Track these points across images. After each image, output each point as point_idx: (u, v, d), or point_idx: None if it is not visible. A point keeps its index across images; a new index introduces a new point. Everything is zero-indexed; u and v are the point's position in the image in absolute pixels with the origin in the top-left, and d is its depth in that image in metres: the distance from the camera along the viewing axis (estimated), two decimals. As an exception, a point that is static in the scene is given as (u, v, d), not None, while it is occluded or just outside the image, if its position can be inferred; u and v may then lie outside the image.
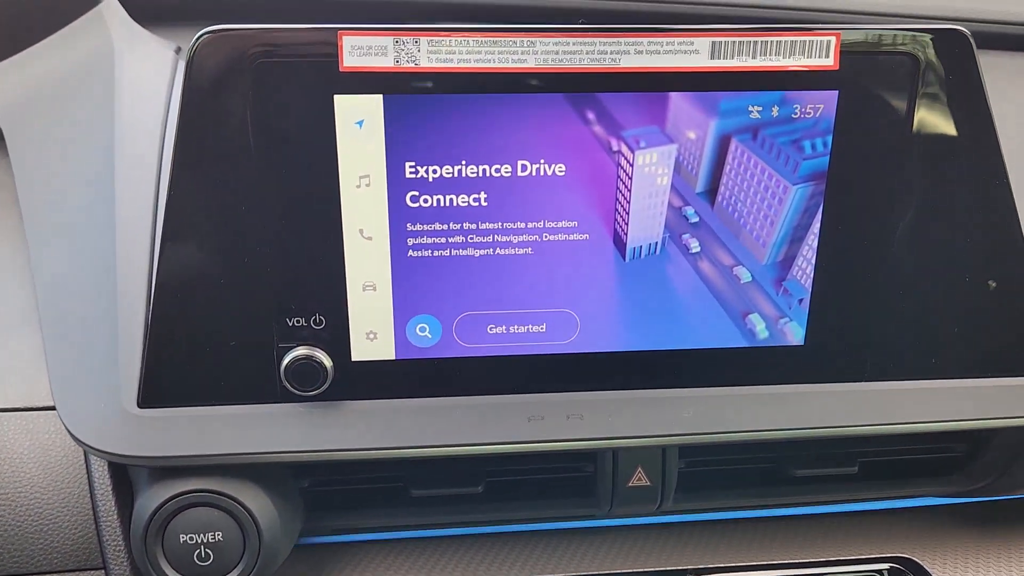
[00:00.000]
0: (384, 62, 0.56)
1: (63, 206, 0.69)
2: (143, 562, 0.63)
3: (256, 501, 0.63)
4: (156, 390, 0.61)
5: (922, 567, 0.75)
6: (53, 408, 0.66)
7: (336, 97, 0.56)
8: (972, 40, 0.60)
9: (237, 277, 0.60)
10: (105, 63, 0.76)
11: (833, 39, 0.58)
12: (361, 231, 0.60)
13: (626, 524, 0.77)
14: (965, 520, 0.79)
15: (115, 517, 0.66)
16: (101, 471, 0.66)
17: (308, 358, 0.61)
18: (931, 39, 0.59)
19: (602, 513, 0.72)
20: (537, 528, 0.76)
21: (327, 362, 0.61)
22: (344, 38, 0.55)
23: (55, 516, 0.66)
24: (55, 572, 0.67)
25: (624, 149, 0.60)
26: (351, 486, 0.71)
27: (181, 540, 0.63)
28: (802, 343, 0.66)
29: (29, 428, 0.67)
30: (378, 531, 0.73)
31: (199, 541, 0.63)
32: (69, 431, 0.62)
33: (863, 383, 0.67)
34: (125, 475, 0.67)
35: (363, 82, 0.56)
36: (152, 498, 0.62)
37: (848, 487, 0.74)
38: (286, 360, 0.61)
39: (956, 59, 0.60)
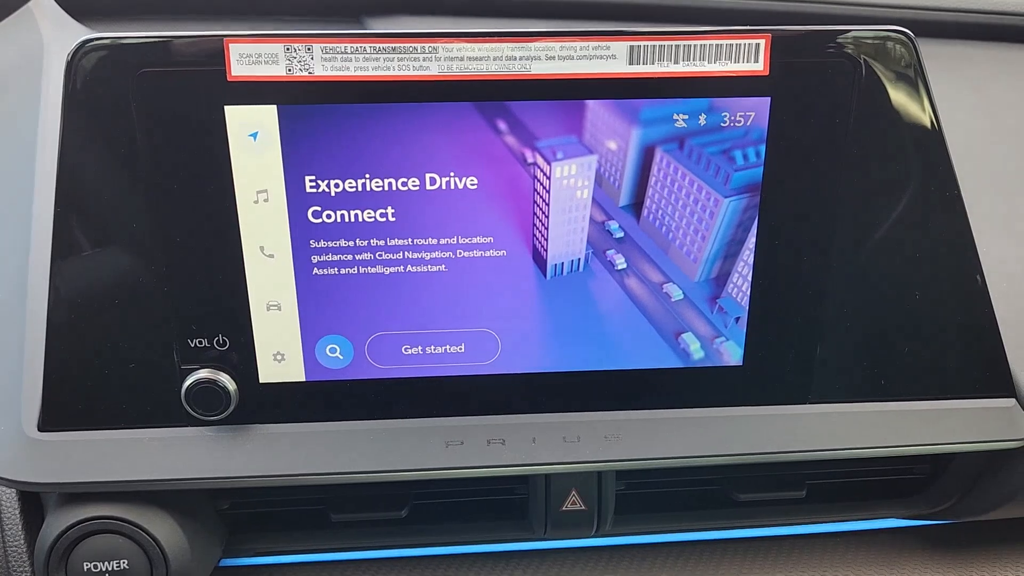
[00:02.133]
0: (275, 71, 0.52)
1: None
2: (45, 592, 0.60)
3: (163, 528, 0.61)
4: (56, 413, 0.59)
5: (878, 594, 0.71)
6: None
7: (227, 108, 0.53)
8: (914, 42, 0.55)
9: (134, 297, 0.57)
10: (34, 61, 0.73)
11: (763, 41, 0.54)
12: (262, 248, 0.57)
13: (563, 547, 0.73)
14: (925, 542, 0.75)
15: (22, 544, 0.63)
16: (9, 496, 0.64)
17: (210, 381, 0.58)
18: (871, 40, 0.55)
19: (536, 537, 0.69)
20: (469, 551, 0.72)
21: (231, 385, 0.58)
22: (231, 46, 0.52)
23: (-37, 540, 0.64)
24: (-37, 598, 0.65)
25: (540, 161, 0.56)
26: (272, 508, 0.68)
27: (85, 568, 0.60)
28: (740, 363, 0.62)
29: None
30: (302, 554, 0.70)
31: (103, 570, 0.60)
32: None
33: (805, 406, 0.63)
34: (36, 501, 0.65)
35: (255, 92, 0.53)
36: (55, 524, 0.60)
37: (796, 511, 0.71)
38: (187, 383, 0.58)
39: (898, 61, 0.55)
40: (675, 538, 0.74)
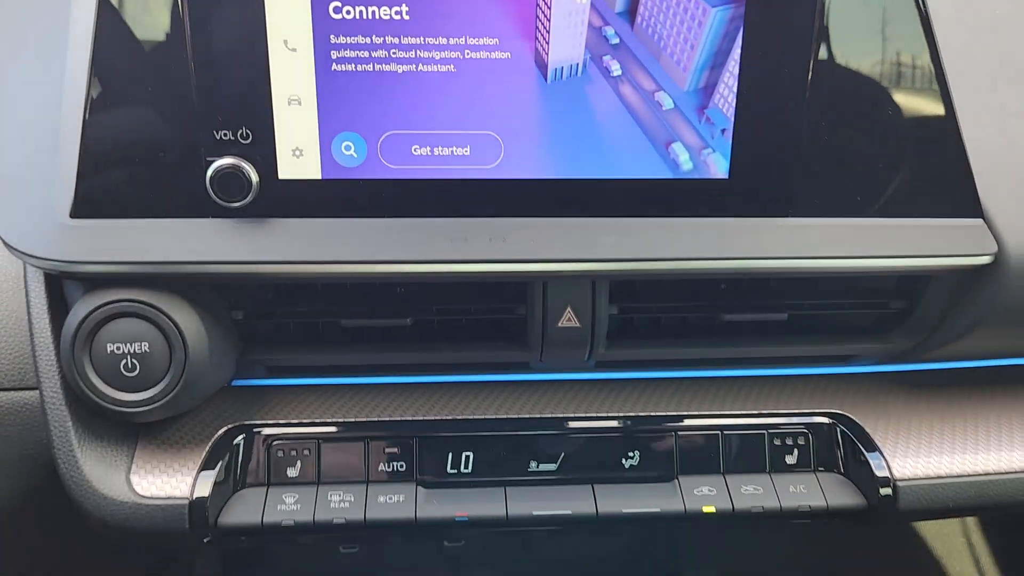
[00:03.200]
0: None
1: (13, 31, 0.71)
2: (71, 372, 0.64)
3: (182, 315, 0.65)
4: (88, 201, 0.63)
5: (855, 422, 0.75)
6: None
7: (258, -100, 0.58)
8: None
9: (164, 92, 0.62)
10: None
11: None
12: (285, 42, 0.61)
13: (558, 379, 0.77)
14: (900, 384, 0.79)
15: (49, 337, 0.67)
16: (38, 292, 0.67)
17: (234, 167, 0.62)
18: None
19: (533, 357, 0.73)
20: (468, 380, 0.76)
21: (253, 176, 0.63)
22: None
23: (-8, 336, 0.68)
24: (-9, 390, 0.68)
25: (543, -36, 0.61)
26: (285, 319, 0.72)
27: (108, 350, 0.64)
28: (726, 176, 0.66)
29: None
30: (312, 372, 0.74)
31: (126, 351, 0.64)
32: (4, 242, 0.64)
33: (788, 219, 0.67)
34: (61, 297, 0.68)
35: None
36: (81, 308, 0.64)
37: (779, 339, 0.74)
38: (212, 169, 0.62)
39: None
40: (663, 375, 0.77)
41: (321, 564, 1.02)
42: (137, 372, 0.64)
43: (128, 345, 0.64)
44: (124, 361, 0.64)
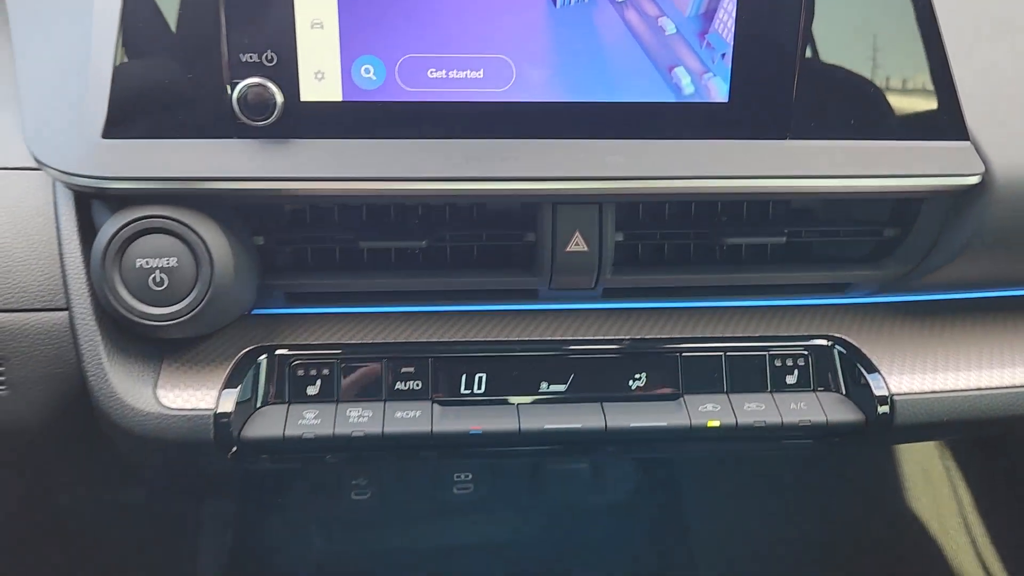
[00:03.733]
0: None
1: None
2: (101, 287, 0.67)
3: (209, 233, 0.67)
4: (119, 122, 0.66)
5: (853, 345, 0.78)
6: (23, 168, 0.71)
7: None
8: None
9: (194, 14, 0.65)
10: None
11: None
12: (309, -33, 0.65)
13: (567, 308, 0.80)
14: (896, 313, 0.82)
15: (79, 257, 0.70)
16: (68, 215, 0.70)
17: (260, 86, 0.65)
18: None
19: (542, 283, 0.76)
20: (480, 308, 0.79)
21: (279, 96, 0.66)
22: None
23: (22, 258, 0.70)
24: (23, 310, 0.71)
25: None
26: (304, 244, 0.74)
27: (137, 265, 0.67)
28: (726, 99, 0.70)
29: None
30: (330, 300, 0.77)
31: (154, 266, 0.67)
32: (40, 160, 0.67)
33: (786, 141, 0.71)
34: (90, 221, 0.71)
35: None
36: (112, 224, 0.67)
37: (779, 266, 0.77)
38: (239, 87, 0.65)
39: None
40: (667, 304, 0.80)
41: (334, 517, 1.05)
42: (165, 287, 0.67)
43: (157, 260, 0.67)
44: (153, 276, 0.67)
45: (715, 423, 0.74)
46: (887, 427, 0.74)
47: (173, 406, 0.69)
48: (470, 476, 0.99)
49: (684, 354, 0.77)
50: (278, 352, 0.74)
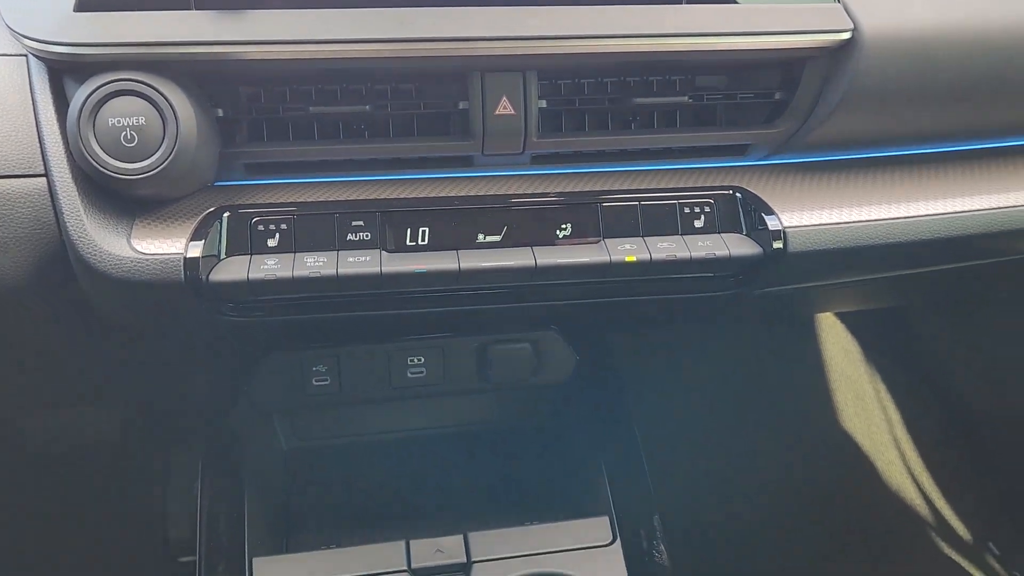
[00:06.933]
0: None
1: None
2: (76, 145, 0.74)
3: (175, 96, 0.75)
4: (90, -4, 0.74)
5: (754, 193, 0.89)
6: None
7: None
8: None
9: None
10: None
11: None
12: None
13: (500, 174, 0.89)
14: (794, 171, 0.93)
15: (55, 124, 0.77)
16: (42, 86, 0.78)
17: (215, -41, 0.74)
18: None
19: (476, 148, 0.85)
20: (423, 175, 0.88)
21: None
22: None
23: (2, 132, 0.78)
24: (2, 177, 0.78)
25: None
26: (259, 116, 0.83)
27: (110, 123, 0.74)
28: (626, -32, 0.81)
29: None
30: (285, 170, 0.85)
31: (125, 124, 0.75)
32: (15, 31, 0.74)
33: (681, 5, 0.82)
34: (63, 94, 0.79)
35: None
36: (86, 88, 0.75)
37: (686, 128, 0.88)
38: (196, -39, 0.74)
39: None
40: (590, 170, 0.90)
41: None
42: (135, 143, 0.75)
43: (127, 119, 0.75)
44: (124, 133, 0.74)
45: (632, 258, 0.84)
46: (782, 256, 0.86)
47: (147, 251, 0.77)
48: (422, 359, 1.08)
49: (604, 204, 0.87)
50: (241, 210, 0.82)
